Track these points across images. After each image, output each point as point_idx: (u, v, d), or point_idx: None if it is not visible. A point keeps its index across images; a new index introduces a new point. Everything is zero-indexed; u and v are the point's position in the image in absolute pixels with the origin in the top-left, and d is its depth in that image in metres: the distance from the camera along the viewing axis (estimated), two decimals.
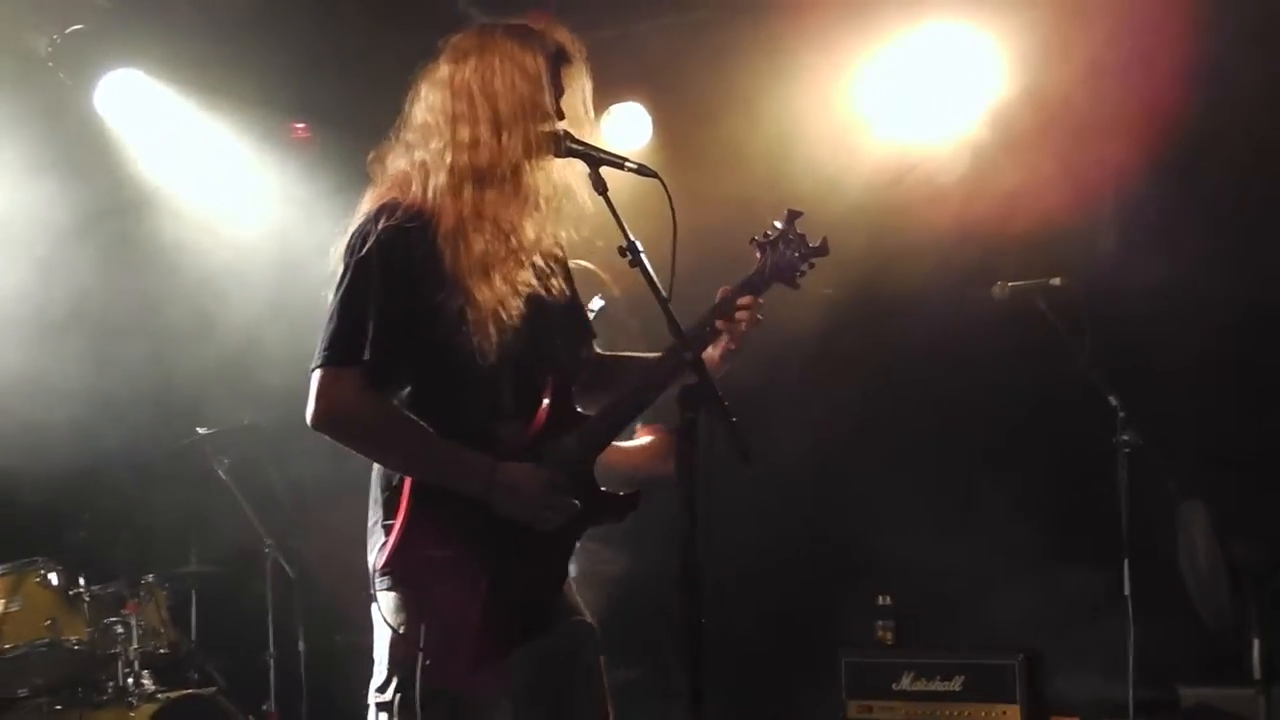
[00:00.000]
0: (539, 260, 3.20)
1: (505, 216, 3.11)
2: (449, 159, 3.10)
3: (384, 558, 3.03)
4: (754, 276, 3.21)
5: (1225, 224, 5.82)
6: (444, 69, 3.18)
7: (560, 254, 3.32)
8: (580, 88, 3.23)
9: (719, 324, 3.15)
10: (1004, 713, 5.98)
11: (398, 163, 3.20)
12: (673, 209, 3.03)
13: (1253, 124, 5.65)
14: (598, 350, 3.43)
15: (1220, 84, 5.55)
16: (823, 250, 3.26)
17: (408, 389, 3.10)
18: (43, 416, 6.16)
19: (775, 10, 6.24)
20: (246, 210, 6.92)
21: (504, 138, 3.09)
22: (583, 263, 3.81)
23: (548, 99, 3.12)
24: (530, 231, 3.15)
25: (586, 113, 3.24)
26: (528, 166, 3.11)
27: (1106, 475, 5.18)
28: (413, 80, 3.23)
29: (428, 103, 3.18)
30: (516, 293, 3.08)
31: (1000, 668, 6.01)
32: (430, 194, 3.09)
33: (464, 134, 3.10)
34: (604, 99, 6.74)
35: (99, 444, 6.38)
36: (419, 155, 3.15)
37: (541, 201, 3.16)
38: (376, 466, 3.15)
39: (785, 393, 6.14)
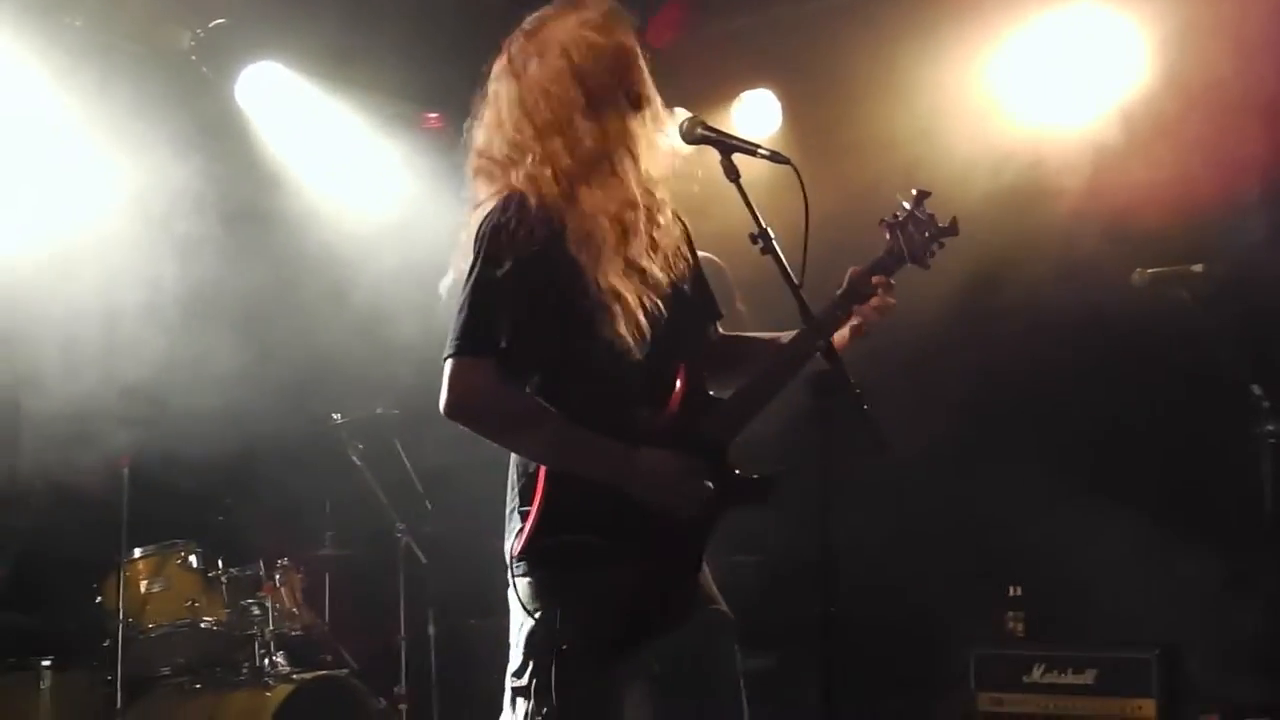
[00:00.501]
0: (661, 240, 3.19)
1: (616, 198, 3.10)
2: (548, 171, 3.09)
3: (520, 544, 3.05)
4: (884, 257, 3.19)
5: None
6: (509, 88, 3.17)
7: (687, 234, 3.32)
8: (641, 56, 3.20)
9: (850, 308, 3.13)
10: (1139, 707, 5.85)
11: (496, 183, 3.17)
12: (805, 195, 3.02)
13: None
14: (721, 331, 3.42)
15: None
16: (952, 230, 3.23)
17: (540, 377, 3.11)
18: (183, 401, 6.29)
19: None
20: (383, 201, 7.01)
21: (586, 125, 3.08)
22: (709, 255, 3.79)
23: (622, 74, 3.11)
24: (639, 215, 3.12)
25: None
26: (619, 149, 3.10)
27: (1249, 466, 5.05)
28: (484, 100, 3.23)
29: (510, 123, 3.15)
30: (633, 282, 3.08)
31: (1136, 661, 5.89)
32: (547, 197, 3.08)
33: (555, 143, 3.09)
34: (735, 86, 6.80)
35: (238, 430, 6.51)
36: (521, 172, 3.13)
37: (644, 181, 3.14)
38: (514, 454, 3.16)
39: (916, 381, 6.08)
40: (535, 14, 3.23)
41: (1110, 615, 6.16)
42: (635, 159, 3.13)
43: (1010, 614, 6.40)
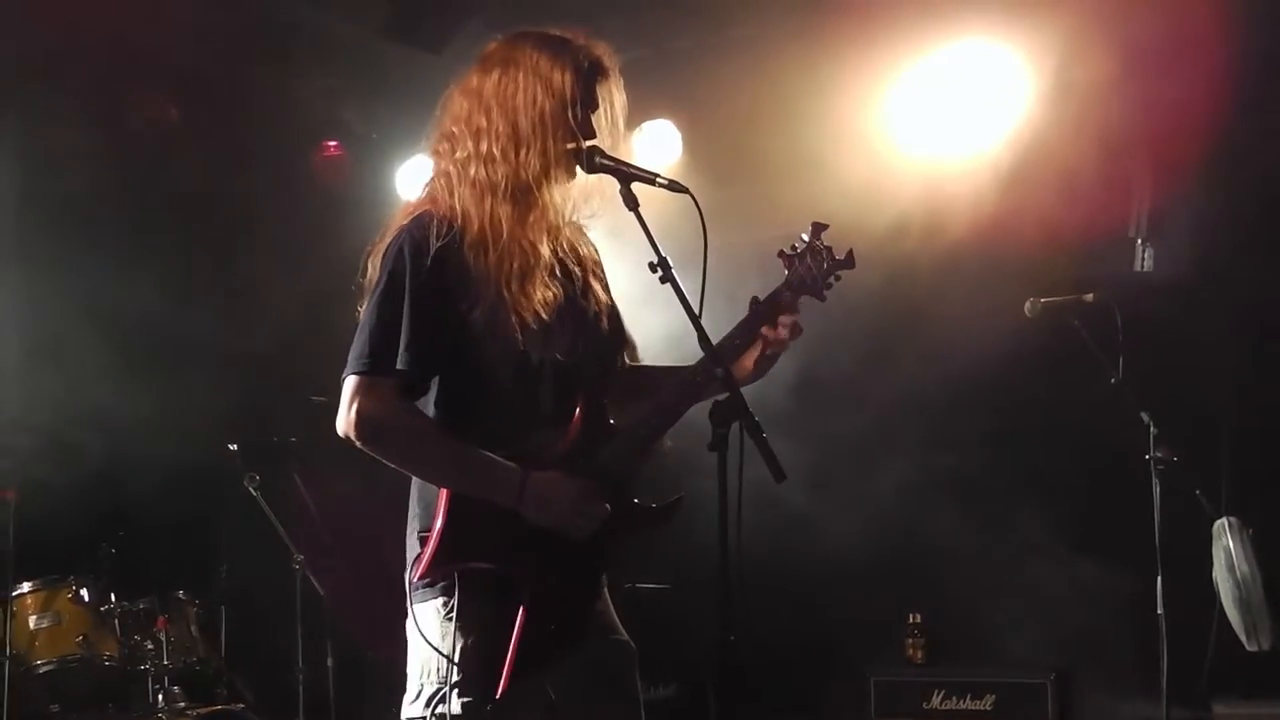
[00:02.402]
0: (573, 270, 3.22)
1: (522, 233, 3.11)
2: (471, 171, 3.12)
3: (419, 569, 3.03)
4: (782, 289, 3.22)
5: (1260, 238, 5.78)
6: (474, 78, 3.20)
7: (598, 262, 3.33)
8: (613, 103, 3.22)
9: (751, 336, 3.15)
10: None
11: (428, 170, 3.22)
12: (704, 224, 3.03)
13: None
14: (630, 360, 3.43)
15: (1251, 92, 5.51)
16: (848, 263, 3.27)
17: (441, 399, 3.10)
18: (74, 432, 6.17)
19: (806, 28, 6.23)
20: (278, 225, 6.95)
21: (521, 155, 3.10)
22: None
23: (571, 116, 3.11)
24: (545, 248, 3.15)
25: (616, 129, 3.22)
26: (545, 184, 3.11)
27: (1140, 492, 5.14)
28: (449, 84, 3.25)
29: (454, 111, 3.20)
30: (537, 305, 3.08)
31: (1032, 686, 5.99)
32: (456, 203, 3.11)
33: (484, 147, 3.12)
34: (635, 116, 6.80)
35: (131, 460, 6.40)
36: (444, 165, 3.18)
37: (559, 219, 3.18)
38: (415, 479, 3.14)
39: (818, 410, 6.12)
40: (526, 30, 3.23)
41: (1008, 641, 6.24)
42: (562, 188, 3.14)
43: (910, 640, 6.46)
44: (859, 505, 6.51)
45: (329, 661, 6.48)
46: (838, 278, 3.26)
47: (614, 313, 3.34)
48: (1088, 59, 5.80)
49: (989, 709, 6.06)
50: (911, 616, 6.48)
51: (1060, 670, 6.00)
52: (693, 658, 6.23)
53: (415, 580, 3.05)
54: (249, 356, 6.69)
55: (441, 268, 3.03)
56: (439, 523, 3.01)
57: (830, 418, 6.33)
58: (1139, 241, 5.98)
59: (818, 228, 3.26)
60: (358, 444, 3.04)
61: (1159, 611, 5.02)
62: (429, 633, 3.02)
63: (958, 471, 6.39)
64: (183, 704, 5.96)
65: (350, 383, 3.03)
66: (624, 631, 3.26)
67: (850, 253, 3.27)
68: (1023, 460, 6.28)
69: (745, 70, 6.44)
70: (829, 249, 3.25)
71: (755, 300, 3.19)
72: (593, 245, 3.35)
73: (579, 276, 3.24)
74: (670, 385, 3.19)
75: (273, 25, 6.39)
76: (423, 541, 3.05)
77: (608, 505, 3.09)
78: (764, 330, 3.15)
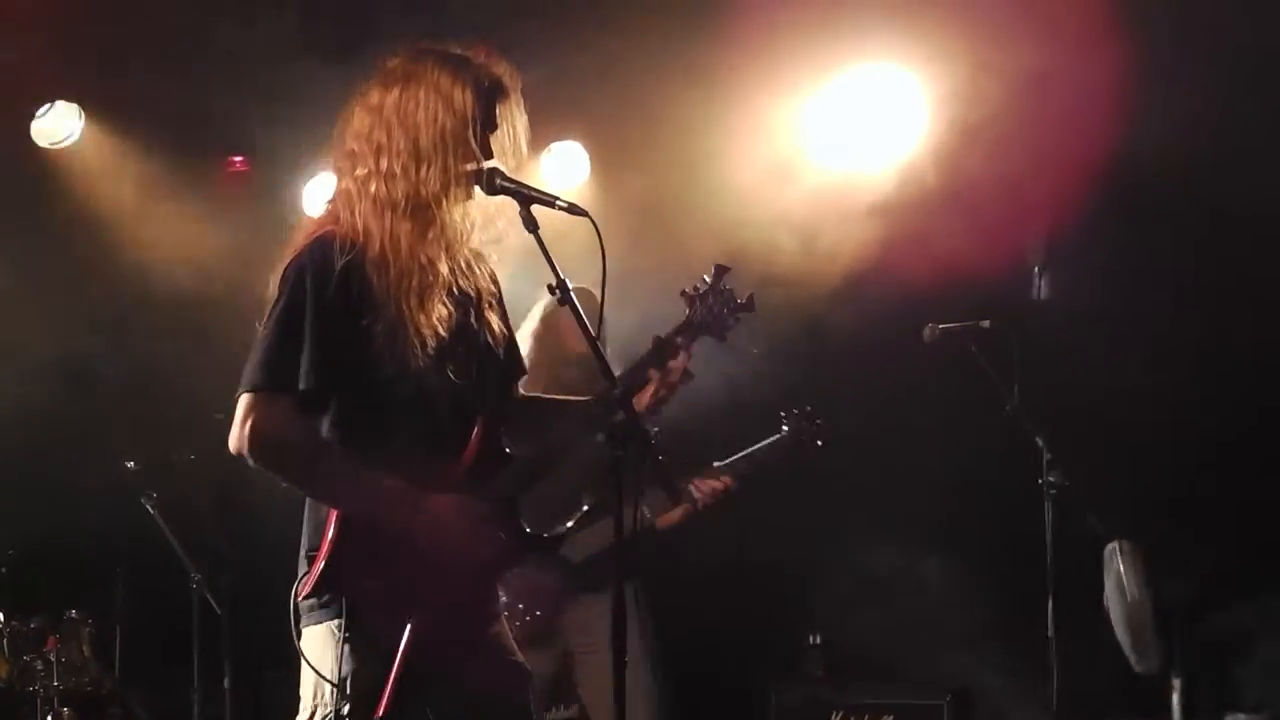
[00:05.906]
0: (470, 294, 3.21)
1: (420, 249, 3.10)
2: (372, 188, 3.10)
3: (305, 587, 3.01)
4: (682, 328, 3.25)
5: (1155, 266, 5.91)
6: (375, 94, 3.17)
7: (496, 290, 3.33)
8: (514, 123, 3.22)
9: (650, 372, 3.18)
10: None
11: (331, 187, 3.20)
12: (602, 246, 3.03)
13: (1182, 162, 5.71)
14: (523, 391, 3.42)
15: (1147, 122, 5.62)
16: (749, 306, 3.32)
17: (337, 419, 3.08)
18: None
19: (710, 54, 6.26)
20: (182, 242, 6.87)
21: (421, 172, 3.08)
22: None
23: (472, 135, 3.10)
24: (444, 267, 3.13)
25: (518, 150, 3.22)
26: (444, 202, 3.10)
27: (1034, 516, 5.23)
28: (348, 100, 3.23)
29: (355, 127, 3.17)
30: (435, 321, 3.07)
31: (928, 707, 6.05)
32: (357, 220, 3.09)
33: (384, 164, 3.10)
34: (543, 137, 6.83)
35: (21, 476, 6.29)
36: (345, 183, 3.16)
37: (457, 238, 3.16)
38: (308, 498, 3.12)
39: (716, 432, 6.14)
40: (428, 45, 3.21)
41: (906, 662, 6.30)
42: (461, 208, 3.13)
43: (811, 661, 6.51)
44: (761, 526, 6.55)
45: (225, 682, 6.41)
46: (738, 320, 3.30)
47: (511, 343, 3.34)
48: (987, 86, 5.88)
49: None
50: (812, 637, 6.52)
51: (955, 691, 6.07)
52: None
53: (301, 599, 3.03)
54: (145, 372, 6.61)
55: (345, 286, 3.02)
56: (327, 542, 2.99)
57: (729, 440, 6.36)
58: (1036, 269, 6.09)
59: (720, 270, 3.31)
60: (251, 462, 3.01)
61: (1049, 634, 5.10)
62: (318, 654, 3.00)
63: (855, 494, 6.45)
64: None
65: (246, 399, 3.00)
66: (519, 653, 3.26)
67: (751, 297, 3.31)
68: (920, 483, 6.35)
69: (654, 92, 6.46)
70: (730, 291, 3.30)
71: (656, 339, 3.21)
72: (494, 276, 3.32)
73: (474, 302, 3.22)
74: (568, 415, 3.21)
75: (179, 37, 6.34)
76: (310, 560, 3.03)
77: (500, 532, 3.08)
78: (662, 367, 3.17)
